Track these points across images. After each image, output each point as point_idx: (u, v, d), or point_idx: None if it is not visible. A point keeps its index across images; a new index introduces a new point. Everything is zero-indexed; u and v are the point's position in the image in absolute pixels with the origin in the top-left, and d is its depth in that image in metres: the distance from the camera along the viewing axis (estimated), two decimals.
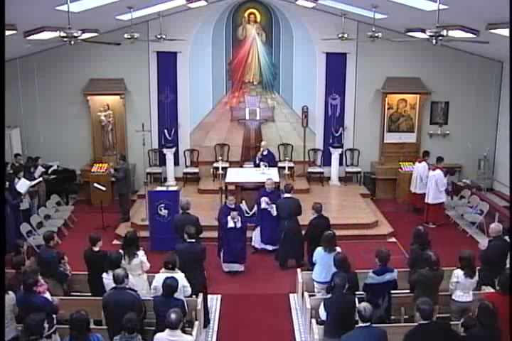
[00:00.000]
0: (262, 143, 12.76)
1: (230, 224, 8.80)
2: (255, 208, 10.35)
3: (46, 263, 7.29)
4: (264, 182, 10.37)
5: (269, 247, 9.96)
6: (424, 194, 11.74)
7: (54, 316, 6.09)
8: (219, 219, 9.06)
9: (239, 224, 8.83)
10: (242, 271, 9.24)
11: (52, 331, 5.96)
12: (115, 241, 10.67)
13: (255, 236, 10.02)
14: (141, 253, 7.35)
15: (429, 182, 11.57)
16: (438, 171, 11.48)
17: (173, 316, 5.33)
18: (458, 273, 6.79)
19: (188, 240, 7.61)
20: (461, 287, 6.79)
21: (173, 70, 13.49)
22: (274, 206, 9.60)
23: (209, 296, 7.93)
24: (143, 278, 7.28)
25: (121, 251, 7.34)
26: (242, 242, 9.08)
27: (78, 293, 7.61)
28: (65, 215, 11.62)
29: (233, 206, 9.02)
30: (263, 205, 9.76)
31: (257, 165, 12.08)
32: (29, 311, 5.62)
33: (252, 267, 9.52)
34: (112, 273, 6.57)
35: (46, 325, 5.31)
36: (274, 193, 9.98)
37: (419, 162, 12.27)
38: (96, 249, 7.42)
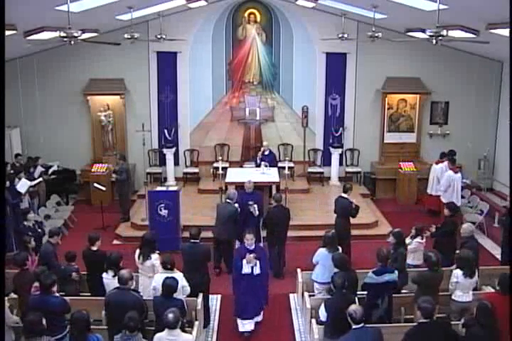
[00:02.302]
0: (264, 143, 12.79)
1: (245, 270, 7.12)
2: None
3: (42, 259, 7.35)
4: (264, 182, 10.38)
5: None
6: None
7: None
8: (234, 261, 7.41)
9: (257, 271, 7.13)
10: (259, 321, 7.59)
11: (67, 331, 5.97)
12: (115, 241, 10.71)
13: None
14: (155, 256, 7.24)
15: (456, 184, 11.14)
16: (459, 174, 11.37)
17: (170, 316, 5.34)
18: (457, 273, 6.79)
19: (192, 240, 7.61)
20: (461, 287, 6.79)
21: (173, 70, 13.49)
22: (256, 206, 9.47)
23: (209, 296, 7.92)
24: None
25: (138, 250, 7.41)
26: (259, 294, 7.36)
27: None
28: (65, 215, 11.62)
29: (252, 247, 7.31)
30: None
31: (259, 165, 12.09)
32: (47, 312, 5.62)
33: None
34: (114, 273, 6.59)
35: (45, 324, 5.31)
36: (255, 194, 9.79)
37: (437, 163, 12.02)
38: (94, 248, 7.43)
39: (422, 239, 8.20)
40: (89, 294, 7.42)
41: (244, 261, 7.10)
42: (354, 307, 5.41)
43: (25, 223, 8.32)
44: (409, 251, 8.01)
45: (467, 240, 7.68)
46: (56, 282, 6.19)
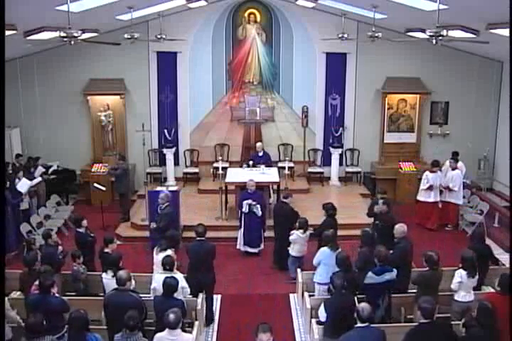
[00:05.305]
0: (257, 145, 12.77)
1: None
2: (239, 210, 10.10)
3: (48, 260, 7.34)
4: (264, 182, 10.36)
5: (251, 250, 9.87)
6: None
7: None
8: None
9: None
10: None
11: (65, 331, 5.98)
12: None
13: (239, 238, 9.93)
14: (162, 254, 7.10)
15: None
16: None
17: (171, 316, 5.33)
18: (461, 273, 6.76)
19: (198, 238, 7.58)
20: (464, 287, 6.78)
21: (173, 70, 13.49)
22: (258, 206, 9.48)
23: None
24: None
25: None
26: None
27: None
28: (65, 215, 11.60)
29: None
30: (244, 209, 9.56)
31: (254, 165, 12.07)
32: (46, 312, 5.65)
33: (252, 267, 9.54)
34: (113, 273, 6.59)
35: (45, 324, 5.31)
36: (256, 194, 9.80)
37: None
38: (107, 250, 7.43)
39: (304, 233, 8.55)
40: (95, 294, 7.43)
41: None
42: (363, 305, 5.38)
43: (79, 230, 8.29)
44: (291, 242, 8.60)
45: (399, 241, 7.65)
46: (55, 283, 6.22)
